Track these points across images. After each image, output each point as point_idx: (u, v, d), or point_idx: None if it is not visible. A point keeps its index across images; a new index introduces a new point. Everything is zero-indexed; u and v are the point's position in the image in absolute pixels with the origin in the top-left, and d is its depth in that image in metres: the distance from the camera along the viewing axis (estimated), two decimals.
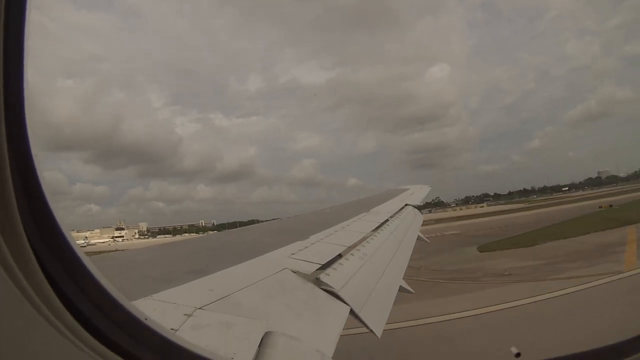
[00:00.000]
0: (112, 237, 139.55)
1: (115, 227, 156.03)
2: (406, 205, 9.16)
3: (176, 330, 1.88)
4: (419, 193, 11.97)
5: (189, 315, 2.04)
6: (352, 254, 3.99)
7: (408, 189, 12.17)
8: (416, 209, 9.45)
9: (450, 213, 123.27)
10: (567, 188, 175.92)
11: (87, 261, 1.35)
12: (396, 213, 7.81)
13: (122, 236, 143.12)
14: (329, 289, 2.93)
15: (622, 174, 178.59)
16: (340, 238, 4.49)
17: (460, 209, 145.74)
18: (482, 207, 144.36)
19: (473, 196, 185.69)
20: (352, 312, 2.78)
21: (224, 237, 5.62)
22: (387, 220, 6.61)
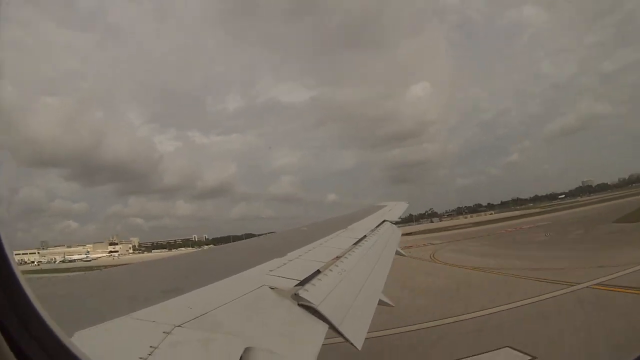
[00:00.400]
0: (110, 252, 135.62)
1: (109, 242, 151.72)
2: (384, 221, 9.27)
3: (155, 348, 1.87)
4: (397, 209, 12.11)
5: (168, 333, 2.04)
6: (330, 270, 4.02)
7: (386, 205, 12.30)
8: (394, 225, 9.56)
9: (474, 219, 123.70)
10: (563, 195, 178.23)
11: (29, 292, 1.31)
12: (374, 229, 7.90)
13: (117, 251, 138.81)
14: (308, 304, 2.96)
15: (608, 182, 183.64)
16: (318, 254, 4.52)
17: (471, 217, 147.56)
18: (491, 214, 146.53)
19: (465, 207, 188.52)
20: (331, 326, 2.81)
21: (201, 255, 5.57)
22: (365, 237, 6.68)
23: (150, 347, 1.87)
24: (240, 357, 2.01)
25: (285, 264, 3.82)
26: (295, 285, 3.27)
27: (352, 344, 2.83)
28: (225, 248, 6.30)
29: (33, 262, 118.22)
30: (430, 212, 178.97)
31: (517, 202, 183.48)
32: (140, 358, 1.77)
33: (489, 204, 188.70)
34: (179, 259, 4.91)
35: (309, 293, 3.13)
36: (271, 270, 3.52)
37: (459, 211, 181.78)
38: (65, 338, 1.40)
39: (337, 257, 4.73)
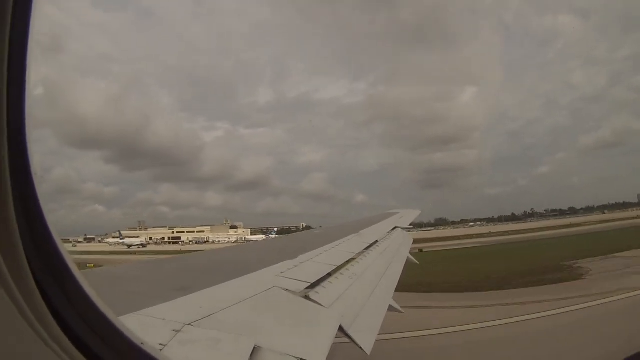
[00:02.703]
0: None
1: (230, 225, 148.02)
2: (395, 227, 9.24)
3: (164, 346, 1.87)
4: (408, 217, 12.10)
5: (178, 331, 2.04)
6: (341, 273, 4.01)
7: (397, 212, 12.32)
8: (405, 232, 9.51)
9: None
10: None
11: (85, 283, 1.36)
12: (386, 235, 7.87)
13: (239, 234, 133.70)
14: (318, 307, 2.95)
15: None
16: (329, 258, 4.50)
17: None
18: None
19: (557, 209, 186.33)
20: (341, 329, 2.79)
21: (213, 255, 5.60)
22: (376, 242, 6.65)
23: (160, 344, 1.87)
24: (250, 357, 2.00)
25: (296, 266, 3.82)
26: (306, 288, 3.26)
27: (361, 348, 2.80)
28: (238, 248, 6.32)
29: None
30: (531, 211, 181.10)
31: (605, 208, 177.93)
32: None
33: (585, 207, 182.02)
34: (190, 258, 4.94)
35: (319, 295, 3.12)
36: (282, 272, 3.53)
37: (561, 212, 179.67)
38: (116, 319, 1.45)
39: (348, 261, 4.71)
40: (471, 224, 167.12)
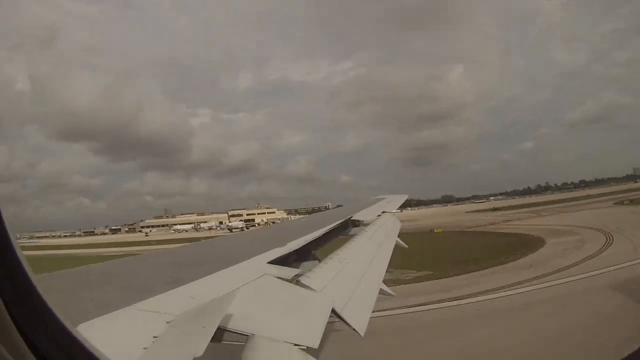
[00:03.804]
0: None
1: (266, 207, 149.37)
2: (383, 212, 9.31)
3: (157, 338, 1.89)
4: (396, 201, 12.18)
5: (170, 323, 2.06)
6: (330, 258, 4.05)
7: (384, 197, 12.39)
8: (394, 217, 9.60)
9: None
10: None
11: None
12: (374, 220, 7.93)
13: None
14: (309, 291, 2.98)
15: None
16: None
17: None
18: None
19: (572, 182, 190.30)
20: (334, 312, 2.83)
21: (204, 245, 5.61)
22: (364, 227, 6.71)
23: (154, 337, 1.88)
24: (245, 344, 2.03)
25: (286, 253, 3.84)
26: (297, 274, 3.30)
27: (354, 330, 2.85)
28: (228, 239, 6.33)
29: None
30: (545, 185, 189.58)
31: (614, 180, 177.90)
32: (144, 348, 1.78)
33: (594, 180, 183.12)
34: (181, 250, 4.94)
35: (310, 280, 3.16)
36: (272, 259, 3.55)
37: (574, 185, 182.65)
38: (73, 328, 1.42)
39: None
40: (492, 198, 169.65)
